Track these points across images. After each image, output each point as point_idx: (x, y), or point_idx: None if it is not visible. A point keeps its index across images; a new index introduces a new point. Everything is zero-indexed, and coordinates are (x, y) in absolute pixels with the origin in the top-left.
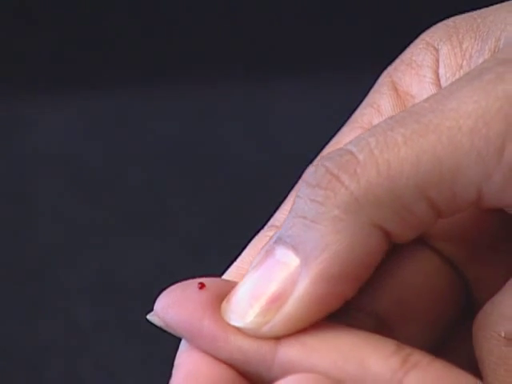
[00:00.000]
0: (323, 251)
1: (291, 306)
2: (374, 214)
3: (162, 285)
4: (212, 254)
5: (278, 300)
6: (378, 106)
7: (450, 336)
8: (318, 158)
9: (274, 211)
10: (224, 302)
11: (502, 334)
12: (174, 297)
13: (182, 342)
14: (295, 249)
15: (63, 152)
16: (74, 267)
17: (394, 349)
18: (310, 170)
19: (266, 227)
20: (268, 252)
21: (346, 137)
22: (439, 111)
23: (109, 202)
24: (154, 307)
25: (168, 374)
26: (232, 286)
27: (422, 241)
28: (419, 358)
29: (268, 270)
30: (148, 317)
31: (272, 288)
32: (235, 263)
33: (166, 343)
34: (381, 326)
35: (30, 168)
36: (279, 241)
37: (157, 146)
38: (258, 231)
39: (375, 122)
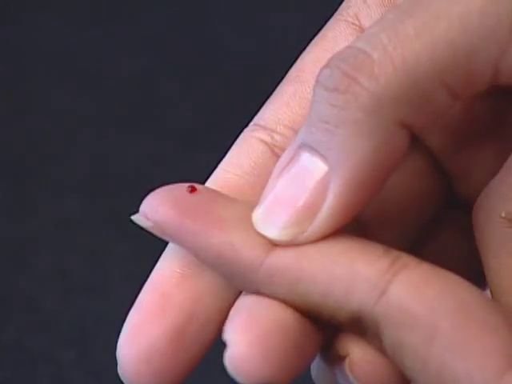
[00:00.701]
0: (349, 157)
1: (325, 214)
2: (396, 111)
3: (154, 179)
4: (203, 146)
5: (310, 208)
6: None
7: (428, 236)
8: (330, 58)
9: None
10: (254, 211)
11: (503, 215)
12: (163, 197)
13: (168, 248)
14: (322, 155)
15: (56, 45)
16: (65, 161)
17: (382, 252)
18: (325, 72)
19: (250, 126)
20: (292, 158)
21: (331, 30)
22: None
23: (100, 94)
24: (141, 208)
25: None
26: (220, 194)
27: None
28: (407, 260)
29: (295, 177)
30: (133, 217)
31: (304, 196)
32: (220, 165)
33: (158, 238)
34: (362, 227)
35: (21, 61)
36: (303, 146)
37: (147, 39)
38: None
39: (361, 14)
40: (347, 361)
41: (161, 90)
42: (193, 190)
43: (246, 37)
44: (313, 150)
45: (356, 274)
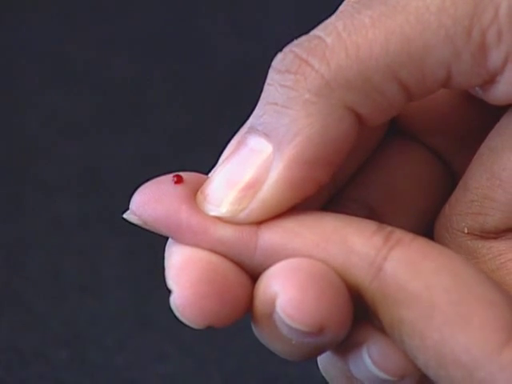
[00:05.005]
0: (296, 135)
1: (266, 192)
2: (345, 97)
3: (146, 179)
4: (196, 147)
5: (252, 187)
6: None
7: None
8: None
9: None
10: (198, 193)
11: (465, 231)
12: (149, 193)
13: None
14: (267, 135)
15: (46, 46)
16: (56, 161)
17: (376, 228)
18: (279, 56)
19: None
20: (240, 142)
21: None
22: None
23: (92, 94)
24: (130, 205)
25: (153, 270)
26: (205, 179)
27: (410, 135)
28: (401, 235)
29: (241, 159)
30: (124, 216)
31: (246, 175)
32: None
33: (151, 238)
34: (373, 216)
35: (11, 62)
36: (251, 130)
37: (139, 40)
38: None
39: None
40: (365, 348)
41: (152, 91)
42: (178, 180)
43: (234, 37)
44: (259, 131)
45: (351, 252)
